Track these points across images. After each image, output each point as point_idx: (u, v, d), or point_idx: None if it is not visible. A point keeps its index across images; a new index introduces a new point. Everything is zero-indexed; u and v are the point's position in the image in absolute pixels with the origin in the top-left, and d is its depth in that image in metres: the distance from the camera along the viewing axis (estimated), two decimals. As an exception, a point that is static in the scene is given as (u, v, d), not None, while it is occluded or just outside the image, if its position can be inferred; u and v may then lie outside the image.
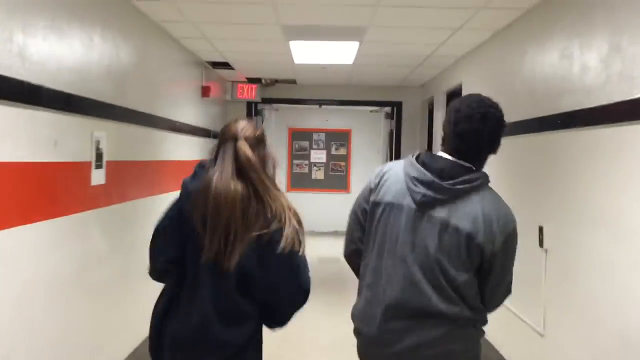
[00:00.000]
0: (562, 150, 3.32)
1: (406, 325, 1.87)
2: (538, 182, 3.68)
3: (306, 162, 12.10)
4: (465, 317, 1.87)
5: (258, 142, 1.93)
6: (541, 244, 3.50)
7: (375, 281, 1.94)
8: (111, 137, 3.62)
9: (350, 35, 4.87)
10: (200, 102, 6.38)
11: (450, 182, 1.86)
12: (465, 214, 1.85)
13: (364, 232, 2.02)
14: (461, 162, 1.90)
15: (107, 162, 3.55)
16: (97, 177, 3.42)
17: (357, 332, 2.02)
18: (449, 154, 1.93)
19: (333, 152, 12.08)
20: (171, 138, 5.21)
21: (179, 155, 5.51)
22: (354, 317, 2.04)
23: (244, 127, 1.94)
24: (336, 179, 11.89)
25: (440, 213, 1.86)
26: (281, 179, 2.13)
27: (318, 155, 12.08)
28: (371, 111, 8.75)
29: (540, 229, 3.51)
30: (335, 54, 5.81)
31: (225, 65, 6.60)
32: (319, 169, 12.11)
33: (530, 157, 3.82)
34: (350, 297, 2.23)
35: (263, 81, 7.83)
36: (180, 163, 5.60)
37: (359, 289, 2.04)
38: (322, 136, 12.15)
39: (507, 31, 4.37)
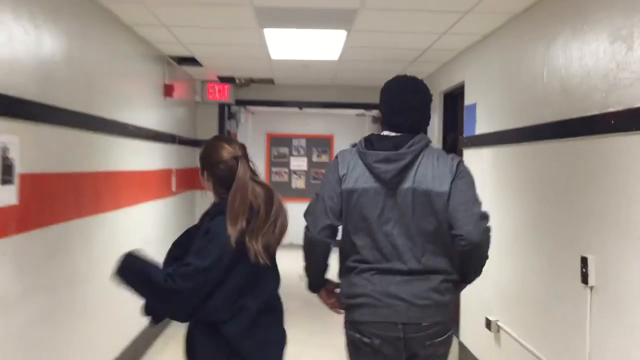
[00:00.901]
0: (615, 158, 2.56)
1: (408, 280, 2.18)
2: (578, 199, 2.91)
3: (286, 169, 11.31)
4: (447, 270, 2.20)
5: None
6: (585, 279, 2.73)
7: (373, 258, 2.19)
8: (28, 143, 2.77)
9: (336, 21, 4.08)
10: (163, 103, 5.54)
11: (403, 149, 2.16)
12: (426, 175, 2.15)
13: (335, 218, 2.26)
14: (403, 134, 2.20)
15: (21, 175, 2.71)
16: (4, 196, 2.57)
17: (363, 308, 2.18)
18: (391, 131, 2.22)
19: (314, 159, 11.30)
20: (123, 144, 4.37)
21: (135, 165, 4.67)
22: (358, 296, 2.20)
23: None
24: (318, 188, 11.09)
25: (406, 183, 2.16)
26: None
27: (298, 163, 11.29)
28: (357, 114, 7.94)
29: (584, 261, 2.75)
30: (319, 47, 5.02)
31: (193, 61, 5.77)
32: (300, 177, 11.32)
33: (566, 168, 3.06)
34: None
35: (237, 81, 7.01)
36: (138, 174, 4.75)
37: (346, 270, 2.28)
38: (303, 142, 11.36)
39: (529, 13, 3.61)
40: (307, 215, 2.37)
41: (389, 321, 2.15)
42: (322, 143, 11.33)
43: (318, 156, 11.38)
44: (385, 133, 2.25)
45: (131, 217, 4.53)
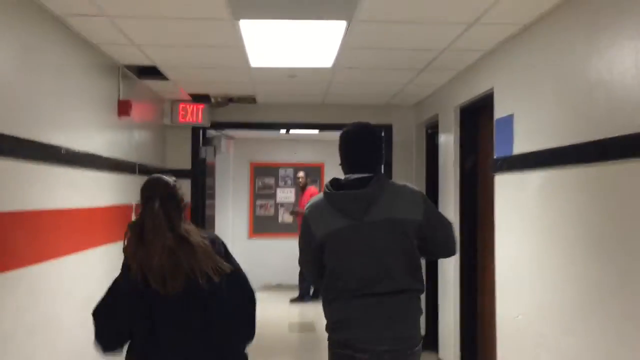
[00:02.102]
0: None
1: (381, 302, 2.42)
2: None
3: (272, 202, 10.25)
4: (418, 289, 2.48)
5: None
6: None
7: (357, 284, 2.43)
8: None
9: (334, 6, 3.09)
10: (117, 124, 4.48)
11: (369, 188, 2.42)
12: (393, 206, 2.42)
13: (321, 266, 2.51)
14: (362, 174, 2.47)
15: None
16: None
17: (349, 328, 2.43)
18: (350, 172, 2.50)
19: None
20: (55, 174, 3.30)
21: (73, 201, 3.59)
22: (342, 321, 2.46)
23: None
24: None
25: (375, 215, 2.41)
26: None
27: (285, 194, 10.23)
28: None
29: None
30: (309, 50, 4.03)
31: (155, 73, 4.75)
32: (287, 211, 10.24)
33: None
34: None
35: (213, 100, 5.99)
36: (79, 213, 3.67)
37: (329, 299, 2.50)
38: (290, 172, 10.32)
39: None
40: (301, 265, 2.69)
41: (376, 337, 2.40)
42: (312, 172, 10.29)
43: (316, 187, 10.32)
44: (347, 176, 2.51)
45: (63, 271, 3.43)
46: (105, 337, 2.32)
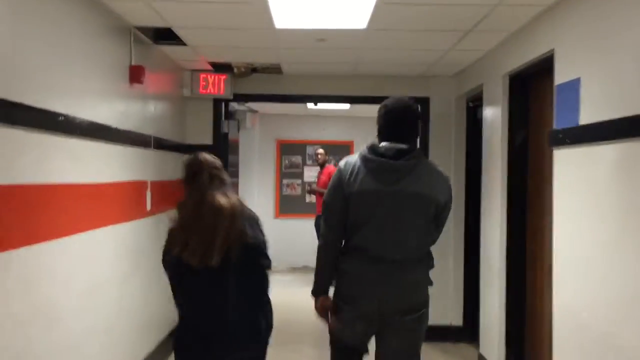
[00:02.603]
0: None
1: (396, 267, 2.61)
2: None
3: (298, 181, 9.83)
4: (427, 262, 2.75)
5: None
6: None
7: (367, 246, 2.62)
8: None
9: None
10: (128, 92, 4.08)
11: (403, 160, 2.59)
12: (422, 182, 2.59)
13: (341, 220, 2.66)
14: (400, 144, 2.62)
15: None
16: None
17: (349, 281, 2.68)
18: (388, 141, 2.64)
19: (331, 169, 9.78)
20: (51, 144, 2.91)
21: (75, 175, 3.20)
22: (346, 272, 2.69)
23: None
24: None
25: (403, 187, 2.57)
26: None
27: (313, 174, 9.80)
28: None
29: None
30: (341, 9, 3.54)
31: (171, 37, 4.32)
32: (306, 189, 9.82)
33: None
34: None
35: (236, 70, 5.55)
36: (80, 188, 3.28)
37: (347, 252, 2.70)
38: (318, 149, 9.86)
39: None
40: (320, 225, 2.79)
41: (368, 296, 2.63)
42: (340, 150, 9.82)
43: (336, 165, 9.85)
44: (384, 144, 2.65)
45: (62, 254, 3.05)
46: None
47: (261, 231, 2.56)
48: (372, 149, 2.64)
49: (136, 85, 4.11)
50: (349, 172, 2.63)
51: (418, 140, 2.83)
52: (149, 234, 4.54)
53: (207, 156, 2.67)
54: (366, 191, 2.58)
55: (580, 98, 3.01)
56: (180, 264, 2.47)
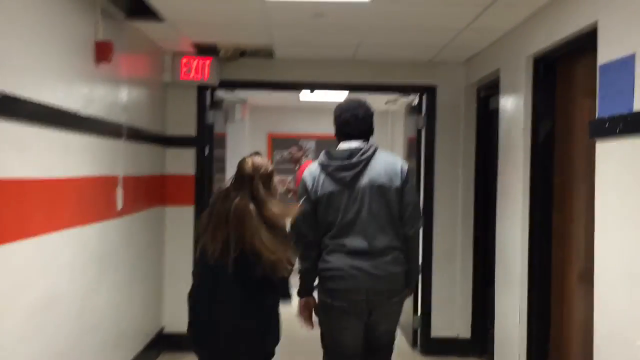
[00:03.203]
0: None
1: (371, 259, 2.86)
2: None
3: (292, 177, 9.28)
4: (399, 247, 2.93)
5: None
6: None
7: (342, 242, 2.87)
8: None
9: None
10: (95, 73, 3.50)
11: (356, 158, 2.88)
12: (378, 173, 2.87)
13: (313, 224, 2.91)
14: (354, 144, 2.94)
15: None
16: None
17: (334, 279, 2.87)
18: (345, 140, 3.00)
19: (326, 164, 9.25)
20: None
21: (20, 170, 2.63)
22: (330, 270, 2.89)
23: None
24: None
25: (361, 182, 2.86)
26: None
27: (307, 169, 9.24)
28: (387, 102, 5.84)
29: None
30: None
31: (148, 12, 3.76)
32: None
33: None
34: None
35: (222, 52, 4.98)
36: (28, 184, 2.71)
37: (326, 251, 2.92)
38: (312, 144, 9.33)
39: None
40: (296, 229, 2.94)
41: (354, 288, 2.85)
42: (336, 145, 9.28)
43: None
44: (341, 145, 3.02)
45: (7, 262, 2.48)
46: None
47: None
48: (328, 154, 2.98)
49: (104, 65, 3.53)
50: (311, 180, 2.92)
51: (372, 136, 3.05)
52: (120, 237, 3.97)
53: (258, 160, 2.78)
54: (329, 193, 2.86)
55: (635, 78, 2.48)
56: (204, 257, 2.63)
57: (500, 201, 4.22)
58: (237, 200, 2.58)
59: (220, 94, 5.67)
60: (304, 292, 3.03)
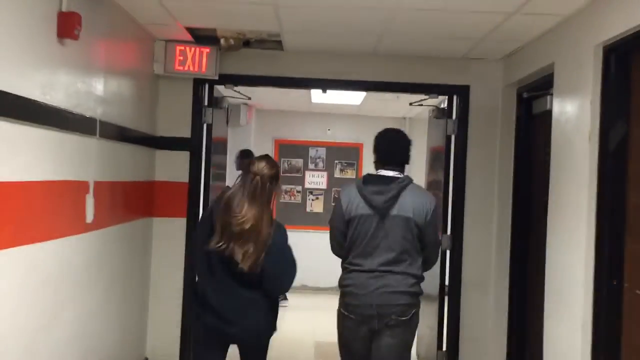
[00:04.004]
0: None
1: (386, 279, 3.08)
2: None
3: (299, 187, 8.57)
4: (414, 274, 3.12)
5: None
6: None
7: (363, 262, 3.10)
8: None
9: None
10: (58, 53, 2.80)
11: (393, 185, 3.09)
12: (407, 206, 3.07)
13: (345, 239, 3.15)
14: (391, 172, 3.13)
15: None
16: None
17: (350, 295, 3.12)
18: (382, 169, 3.16)
19: (337, 174, 8.54)
20: None
21: None
22: (348, 286, 3.14)
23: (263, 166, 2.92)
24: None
25: (392, 210, 3.06)
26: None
27: (316, 179, 8.55)
28: (412, 104, 5.11)
29: None
30: None
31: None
32: (317, 199, 8.58)
33: None
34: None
35: (222, 41, 4.28)
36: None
37: (344, 270, 3.19)
38: (322, 152, 8.62)
39: None
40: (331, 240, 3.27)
41: (366, 304, 3.08)
42: (347, 154, 8.58)
43: (342, 171, 8.60)
44: (380, 172, 3.16)
45: None
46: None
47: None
48: (365, 179, 3.16)
49: (71, 44, 2.84)
50: (347, 199, 3.14)
51: (407, 166, 3.24)
52: (90, 255, 3.26)
53: (264, 161, 2.96)
54: (361, 215, 3.08)
55: None
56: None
57: (554, 223, 3.48)
58: (254, 211, 2.84)
59: (221, 90, 4.96)
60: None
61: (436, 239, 3.21)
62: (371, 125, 8.47)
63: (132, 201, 4.04)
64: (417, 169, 8.40)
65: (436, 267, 4.34)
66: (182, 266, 4.51)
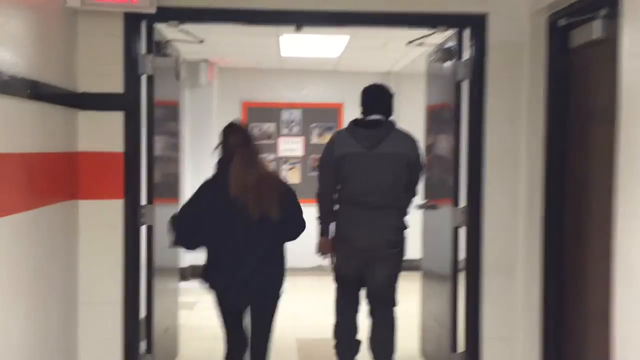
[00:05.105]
0: None
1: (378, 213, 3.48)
2: None
3: (272, 156, 7.51)
4: (405, 208, 3.58)
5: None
6: None
7: (358, 197, 3.47)
8: None
9: None
10: None
11: (377, 128, 3.49)
12: (393, 144, 3.46)
13: (332, 176, 3.51)
14: (378, 116, 3.51)
15: None
16: None
17: (344, 228, 3.56)
18: (368, 114, 3.54)
19: (314, 140, 7.53)
20: None
21: None
22: (342, 221, 3.56)
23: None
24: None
25: (379, 149, 3.43)
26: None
27: (291, 146, 7.52)
28: (409, 43, 3.99)
29: None
30: None
31: None
32: (293, 167, 7.55)
33: None
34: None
35: (159, -39, 3.15)
36: None
37: (336, 213, 3.59)
38: (297, 115, 7.56)
39: None
40: (320, 180, 3.62)
41: (360, 237, 3.49)
42: (325, 115, 7.53)
43: (320, 135, 7.56)
44: (367, 117, 3.55)
45: None
46: (185, 239, 3.18)
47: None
48: (355, 121, 3.58)
49: None
50: (339, 140, 3.51)
51: (391, 115, 3.58)
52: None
53: (232, 134, 3.19)
54: (351, 153, 3.43)
55: None
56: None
57: (626, 197, 2.48)
58: (260, 170, 3.14)
59: (163, 30, 3.82)
60: (323, 233, 3.63)
61: (422, 173, 3.66)
62: (351, 83, 7.40)
63: (44, 179, 2.96)
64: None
65: (446, 244, 3.73)
66: (121, 263, 3.46)
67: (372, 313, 3.64)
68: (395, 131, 3.51)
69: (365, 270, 3.51)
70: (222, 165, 3.11)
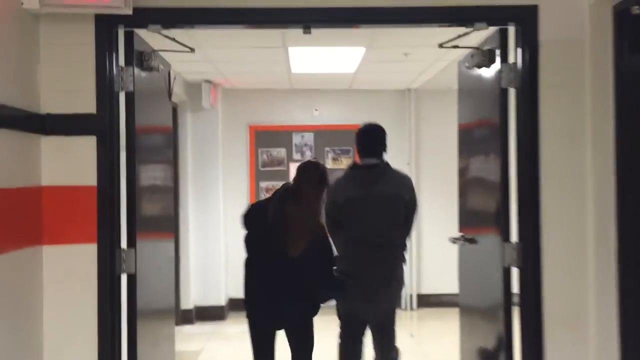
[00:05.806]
0: None
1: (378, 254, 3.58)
2: None
3: (282, 183, 6.87)
4: (403, 245, 3.73)
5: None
6: None
7: (356, 238, 3.58)
8: None
9: None
10: None
11: (373, 173, 3.61)
12: (390, 186, 3.59)
13: (338, 222, 3.57)
14: (372, 160, 3.61)
15: None
16: None
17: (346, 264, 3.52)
18: (364, 157, 3.66)
19: (329, 165, 6.85)
20: None
21: None
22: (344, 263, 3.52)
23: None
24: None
25: (376, 192, 3.55)
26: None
27: (303, 172, 6.85)
28: (442, 45, 3.31)
29: None
30: None
31: None
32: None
33: None
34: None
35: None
36: None
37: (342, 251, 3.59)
38: (310, 138, 6.94)
39: None
40: (328, 224, 3.53)
41: (356, 271, 3.53)
42: (340, 139, 6.87)
43: (335, 160, 6.91)
44: (363, 160, 3.65)
45: None
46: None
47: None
48: (352, 166, 3.74)
49: None
50: (339, 187, 3.59)
51: (385, 153, 3.67)
52: None
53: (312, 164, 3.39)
54: (350, 197, 3.56)
55: None
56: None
57: None
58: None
59: (149, 38, 3.21)
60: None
61: (415, 212, 3.75)
62: (368, 102, 6.82)
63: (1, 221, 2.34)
64: (427, 158, 6.79)
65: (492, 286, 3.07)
66: (95, 320, 2.81)
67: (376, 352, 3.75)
68: (391, 173, 3.66)
69: (369, 305, 3.63)
70: (283, 195, 3.23)
